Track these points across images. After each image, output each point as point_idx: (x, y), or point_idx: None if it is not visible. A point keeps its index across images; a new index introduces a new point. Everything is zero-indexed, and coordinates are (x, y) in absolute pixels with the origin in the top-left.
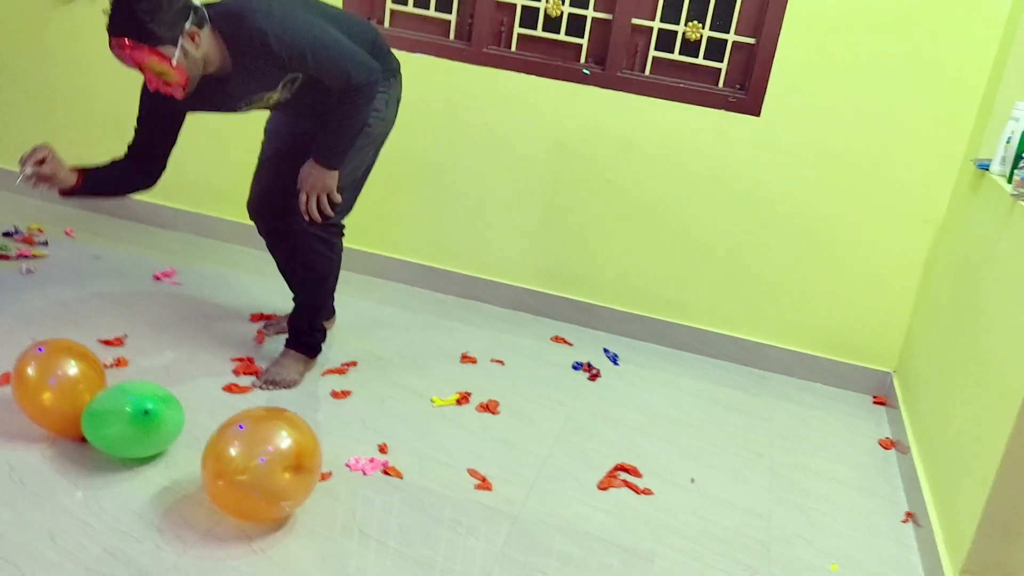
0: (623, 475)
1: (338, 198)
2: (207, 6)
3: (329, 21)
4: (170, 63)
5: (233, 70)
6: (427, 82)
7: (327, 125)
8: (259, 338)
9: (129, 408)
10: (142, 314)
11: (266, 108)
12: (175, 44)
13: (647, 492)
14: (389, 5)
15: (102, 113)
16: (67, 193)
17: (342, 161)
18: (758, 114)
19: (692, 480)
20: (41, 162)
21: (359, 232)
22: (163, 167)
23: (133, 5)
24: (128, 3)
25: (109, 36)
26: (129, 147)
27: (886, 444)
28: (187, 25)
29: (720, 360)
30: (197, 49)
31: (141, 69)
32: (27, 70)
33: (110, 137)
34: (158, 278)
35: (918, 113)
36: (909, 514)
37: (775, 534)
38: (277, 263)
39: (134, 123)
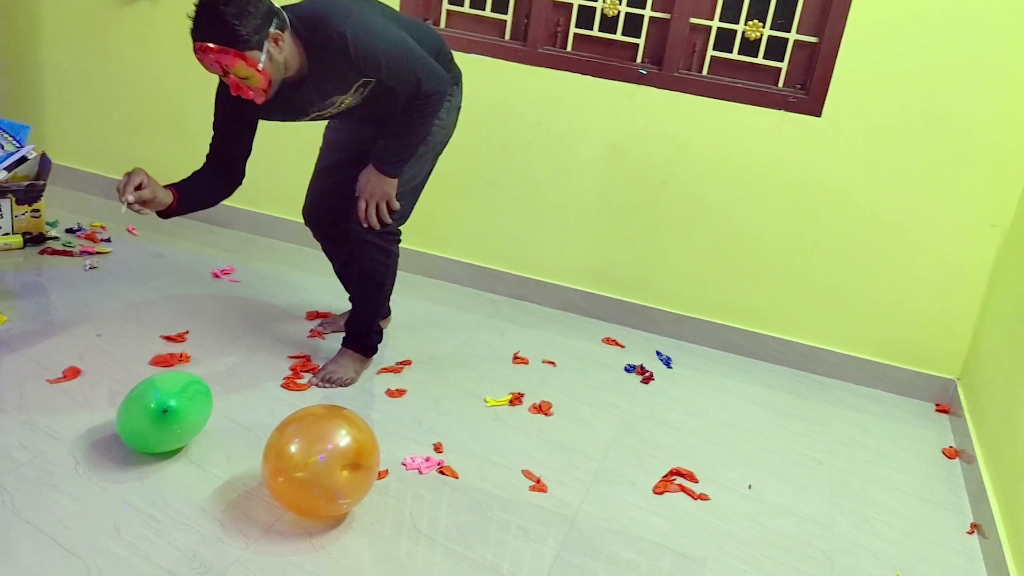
0: (679, 480)
1: (396, 205)
2: (285, 8)
3: (403, 28)
4: (256, 67)
5: (309, 74)
6: (482, 82)
7: (390, 132)
8: (316, 336)
9: (153, 405)
10: (202, 311)
11: (334, 115)
12: (261, 48)
13: (703, 497)
14: (445, 5)
15: (163, 114)
16: (166, 214)
17: (402, 169)
18: (819, 114)
19: (749, 486)
20: (139, 187)
21: (413, 232)
22: (242, 174)
23: (221, 8)
24: (215, 7)
25: (194, 41)
26: (208, 156)
27: (950, 453)
28: (272, 28)
29: (775, 364)
30: (280, 53)
31: (225, 74)
32: (89, 70)
33: (171, 138)
34: (217, 275)
35: (985, 114)
36: (975, 525)
37: (837, 543)
38: (334, 266)
39: (203, 128)
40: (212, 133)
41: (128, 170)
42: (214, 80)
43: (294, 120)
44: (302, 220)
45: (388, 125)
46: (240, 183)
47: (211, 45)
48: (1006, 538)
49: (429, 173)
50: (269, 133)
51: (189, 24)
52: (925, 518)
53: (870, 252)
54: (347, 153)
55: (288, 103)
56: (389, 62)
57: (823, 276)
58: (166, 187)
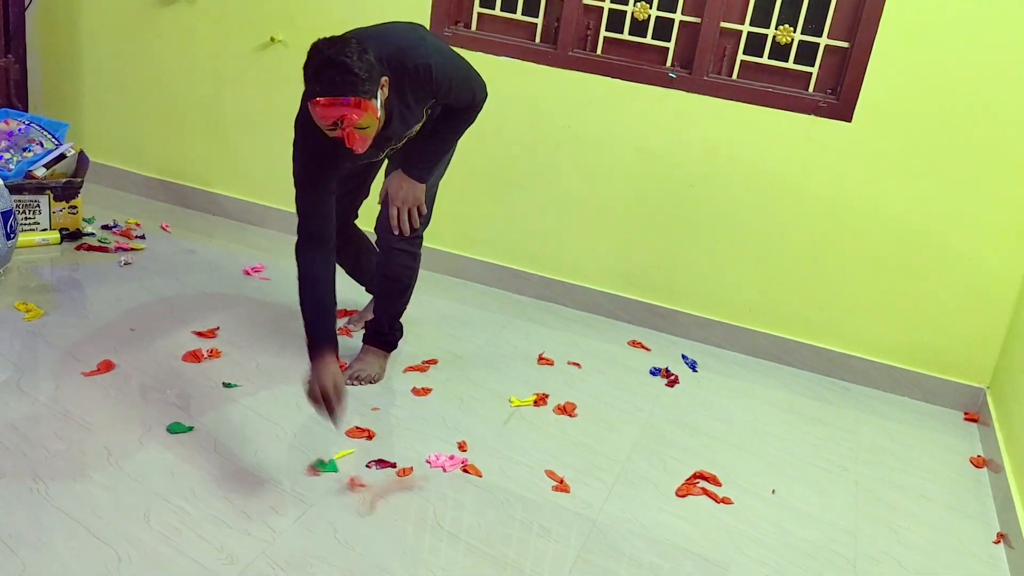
0: (702, 483)
1: (425, 210)
2: None
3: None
4: (376, 115)
5: (393, 109)
6: (511, 85)
7: (426, 138)
8: (344, 334)
9: None
10: (233, 307)
11: (398, 147)
12: (376, 96)
13: (726, 501)
14: (476, 8)
15: (199, 113)
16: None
17: (432, 173)
18: (850, 120)
19: (773, 491)
20: (335, 403)
21: (440, 232)
22: (335, 243)
23: (346, 61)
24: (341, 61)
25: (321, 96)
26: (301, 229)
27: (977, 462)
28: (382, 75)
29: (802, 370)
30: (383, 96)
31: (341, 127)
32: (127, 70)
33: (206, 137)
34: (248, 273)
35: (1018, 120)
36: (1001, 535)
37: (861, 550)
38: (345, 268)
39: (237, 127)
40: (305, 198)
41: (320, 397)
42: (248, 79)
43: (371, 159)
44: None
45: (419, 135)
46: (335, 253)
47: (348, 99)
48: None
49: (442, 177)
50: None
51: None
52: (951, 527)
53: (900, 258)
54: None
55: (376, 142)
56: (457, 83)
57: (852, 282)
58: (325, 355)
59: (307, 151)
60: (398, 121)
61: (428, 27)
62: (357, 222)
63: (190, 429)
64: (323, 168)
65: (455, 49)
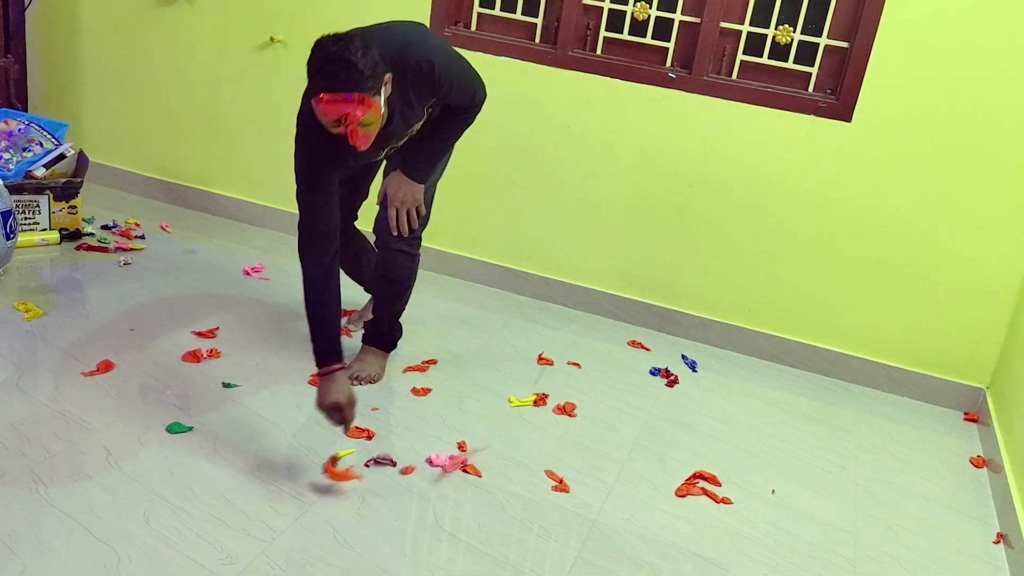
0: (702, 483)
1: (423, 211)
2: None
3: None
4: (379, 112)
5: (394, 107)
6: (511, 85)
7: (425, 139)
8: (343, 334)
9: None
10: (233, 307)
11: (398, 146)
12: (380, 93)
13: (726, 501)
14: (476, 8)
15: (199, 113)
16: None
17: (431, 174)
18: (849, 120)
19: (772, 491)
20: (346, 416)
21: (440, 233)
22: (338, 243)
23: (350, 58)
24: (345, 57)
25: (325, 92)
26: (303, 229)
27: (977, 462)
28: (386, 71)
29: (801, 370)
30: (387, 93)
31: (344, 123)
32: (127, 70)
33: (206, 137)
34: (248, 273)
35: (1018, 120)
36: (1001, 535)
37: (860, 551)
38: (344, 270)
39: (237, 128)
40: (308, 200)
41: (337, 416)
42: (248, 79)
43: (372, 159)
44: None
45: (418, 136)
46: (339, 254)
47: (351, 96)
48: None
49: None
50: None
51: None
52: (950, 527)
53: (899, 258)
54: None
55: (377, 140)
56: (458, 82)
57: (851, 282)
58: (333, 370)
59: (308, 148)
60: (399, 119)
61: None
62: (356, 224)
63: (190, 429)
64: (325, 166)
65: (455, 50)
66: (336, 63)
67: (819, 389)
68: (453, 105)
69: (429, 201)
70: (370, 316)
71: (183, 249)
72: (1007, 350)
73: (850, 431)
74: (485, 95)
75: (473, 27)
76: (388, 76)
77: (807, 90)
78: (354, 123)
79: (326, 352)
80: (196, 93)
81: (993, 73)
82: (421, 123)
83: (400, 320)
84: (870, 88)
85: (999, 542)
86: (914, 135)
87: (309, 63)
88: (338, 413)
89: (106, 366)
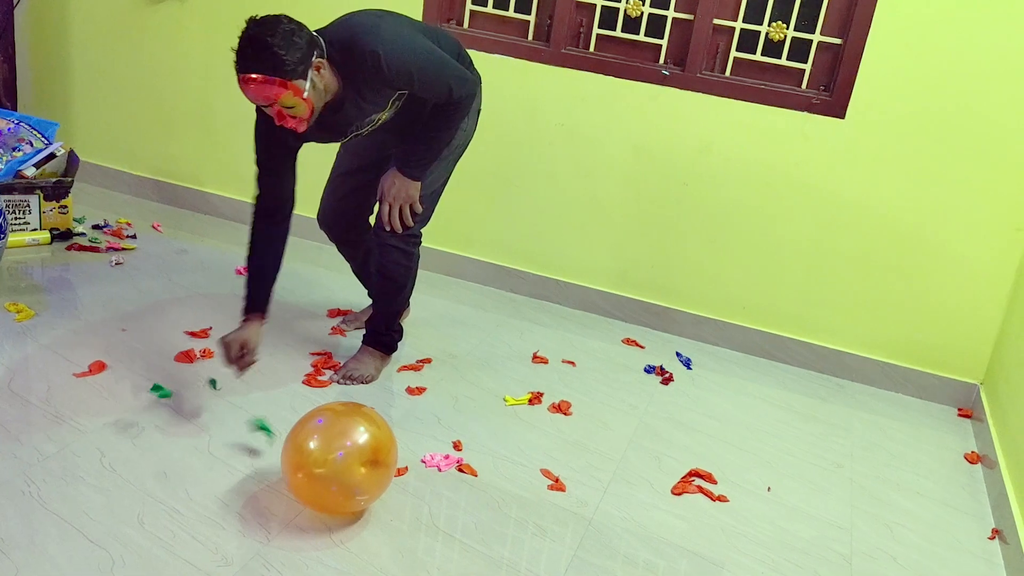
0: (697, 481)
1: (419, 209)
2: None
3: (427, 37)
4: (302, 96)
5: (346, 95)
6: (504, 83)
7: (416, 136)
8: (337, 333)
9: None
10: (225, 307)
11: (371, 131)
12: (305, 77)
13: (722, 499)
14: (469, 6)
15: (190, 112)
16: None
17: (426, 172)
18: (843, 116)
19: (768, 488)
20: (242, 355)
21: (435, 231)
22: (292, 207)
23: (267, 40)
24: (262, 38)
25: (240, 73)
26: (259, 201)
27: (972, 458)
28: (315, 58)
29: (796, 367)
30: (322, 80)
31: (269, 105)
32: (117, 69)
33: (198, 136)
34: (240, 272)
35: (1011, 117)
36: (996, 531)
37: (857, 547)
38: (351, 267)
39: (229, 126)
40: (258, 176)
41: (228, 346)
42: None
43: (335, 141)
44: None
45: (413, 130)
46: (289, 230)
47: (258, 76)
48: None
49: (449, 176)
50: None
51: (232, 55)
52: (945, 523)
53: (893, 255)
54: (364, 158)
55: (330, 126)
56: (421, 74)
57: (845, 278)
58: (248, 319)
59: (259, 131)
60: (352, 107)
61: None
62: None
63: (184, 429)
64: (274, 148)
65: (429, 44)
66: (252, 44)
67: (814, 386)
68: (431, 99)
69: (431, 200)
70: (364, 320)
71: (175, 249)
72: (1000, 346)
73: (845, 428)
74: (469, 92)
75: (466, 24)
76: (320, 62)
77: (801, 87)
78: (273, 104)
79: (247, 303)
80: (187, 92)
81: (986, 70)
82: (389, 112)
83: (401, 323)
84: (863, 85)
85: (994, 538)
86: (907, 131)
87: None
88: (225, 350)
89: (98, 367)
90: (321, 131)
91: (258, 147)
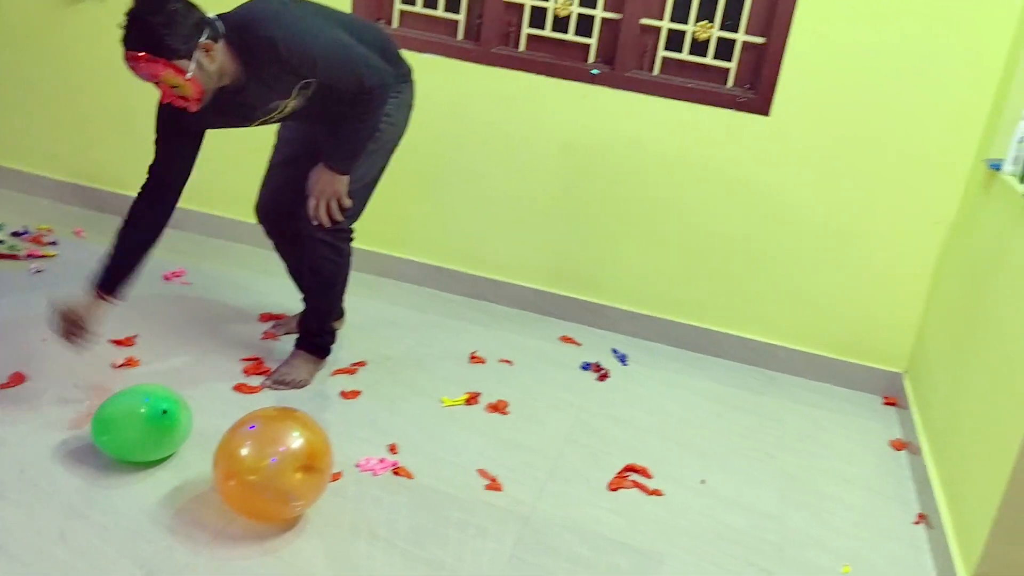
0: (633, 476)
1: (348, 203)
2: (219, 17)
3: (339, 26)
4: (184, 76)
5: (248, 80)
6: (435, 82)
7: (338, 130)
8: (269, 338)
9: (145, 409)
10: (152, 314)
11: (282, 119)
12: (190, 58)
13: (657, 493)
14: (398, 5)
15: (110, 115)
16: (117, 299)
17: (352, 166)
18: (767, 114)
19: (702, 481)
20: (71, 331)
21: (367, 232)
22: (177, 199)
23: (149, 19)
24: (144, 17)
25: (124, 50)
26: (149, 178)
27: (897, 445)
28: (202, 39)
29: (729, 361)
30: (212, 63)
31: (156, 83)
32: (35, 71)
33: (119, 139)
34: (168, 278)
35: (929, 113)
36: (921, 515)
37: (787, 536)
38: (286, 266)
39: (151, 129)
40: (154, 151)
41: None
42: None
43: (241, 126)
44: (255, 221)
45: (337, 123)
46: (173, 211)
47: (140, 54)
48: (951, 527)
49: (382, 171)
50: (222, 134)
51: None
52: (873, 509)
53: (818, 249)
54: (301, 147)
55: (231, 110)
56: (324, 61)
57: (773, 273)
58: (97, 299)
59: (159, 108)
60: (254, 92)
61: None
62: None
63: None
64: (166, 121)
65: (340, 34)
66: (133, 22)
67: (746, 379)
68: (343, 89)
69: (363, 196)
70: (295, 325)
71: (99, 255)
72: (922, 335)
73: (776, 419)
74: (382, 82)
75: (395, 24)
76: (208, 43)
77: (726, 85)
78: (159, 82)
79: (100, 278)
80: (108, 93)
81: (904, 67)
82: (298, 100)
83: (335, 324)
84: (786, 82)
85: (919, 522)
86: (829, 127)
87: None
88: (58, 319)
89: (18, 379)
90: (223, 115)
91: (158, 128)
